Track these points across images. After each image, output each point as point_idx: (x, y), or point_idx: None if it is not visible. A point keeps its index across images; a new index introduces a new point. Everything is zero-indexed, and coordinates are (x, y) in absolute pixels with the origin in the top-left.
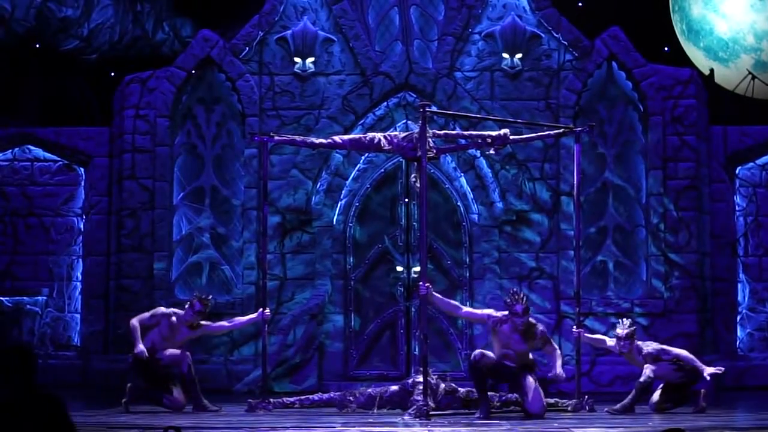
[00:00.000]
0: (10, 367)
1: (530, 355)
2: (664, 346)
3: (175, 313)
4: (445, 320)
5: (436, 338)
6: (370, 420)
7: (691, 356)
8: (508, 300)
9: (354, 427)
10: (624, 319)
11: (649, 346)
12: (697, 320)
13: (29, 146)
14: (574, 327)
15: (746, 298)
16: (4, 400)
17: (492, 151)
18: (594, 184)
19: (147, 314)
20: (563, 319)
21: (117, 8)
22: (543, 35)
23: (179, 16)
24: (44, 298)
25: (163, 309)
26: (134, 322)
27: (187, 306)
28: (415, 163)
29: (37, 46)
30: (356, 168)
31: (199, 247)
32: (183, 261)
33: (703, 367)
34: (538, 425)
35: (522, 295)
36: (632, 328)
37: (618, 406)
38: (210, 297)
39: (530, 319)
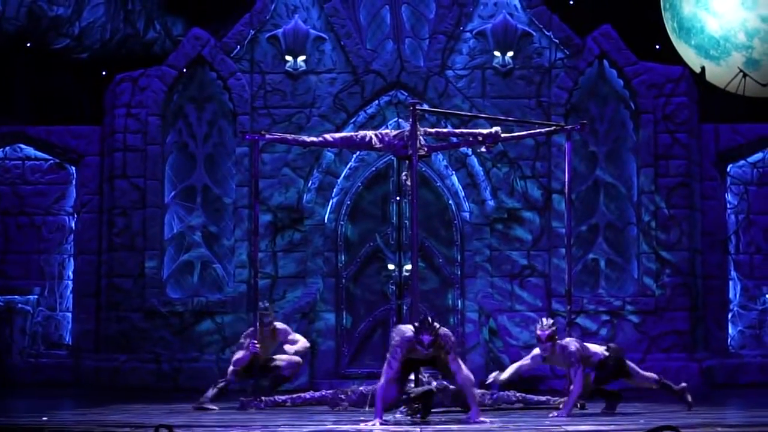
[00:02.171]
0: None
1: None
2: (588, 346)
3: (252, 334)
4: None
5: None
6: (362, 418)
7: (596, 350)
8: (417, 325)
9: (345, 425)
10: (544, 319)
11: (572, 345)
12: (688, 318)
13: (20, 145)
14: (566, 326)
15: (737, 296)
16: None
17: (483, 149)
18: (585, 182)
19: (240, 356)
20: (555, 317)
21: (108, 7)
22: (534, 33)
23: (170, 14)
24: (35, 296)
25: (242, 351)
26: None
27: (256, 326)
28: (407, 161)
29: (29, 44)
30: (348, 166)
31: (190, 245)
32: (174, 259)
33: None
34: (530, 423)
35: (435, 327)
36: (553, 328)
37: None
38: (265, 306)
39: (442, 341)
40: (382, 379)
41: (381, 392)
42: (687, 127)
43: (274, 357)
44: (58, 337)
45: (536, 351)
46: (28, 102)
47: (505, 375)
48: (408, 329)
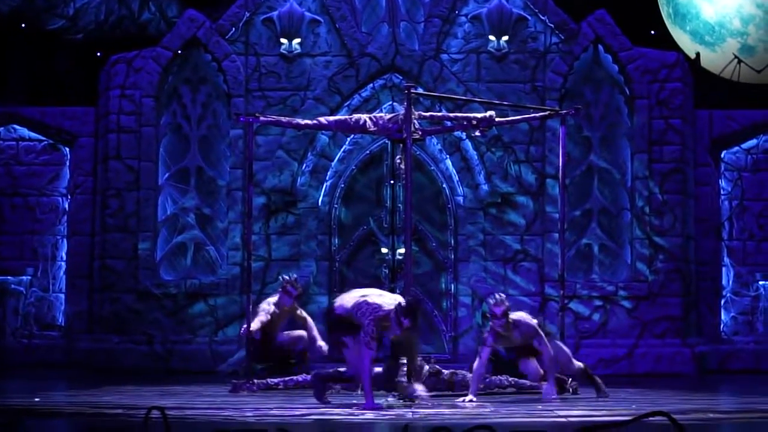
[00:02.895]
0: None
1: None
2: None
3: (275, 304)
4: (430, 303)
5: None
6: (354, 402)
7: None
8: (407, 308)
9: (338, 408)
10: (497, 294)
11: (525, 318)
12: (681, 304)
13: (14, 125)
14: (559, 310)
15: (730, 282)
16: None
17: (477, 134)
18: (579, 167)
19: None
20: (548, 301)
21: None
22: (529, 18)
23: None
24: (29, 277)
25: (265, 307)
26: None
27: (280, 294)
28: (401, 145)
29: (23, 25)
30: (342, 149)
31: (184, 227)
32: (168, 241)
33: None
34: (523, 408)
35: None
36: (507, 304)
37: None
38: (296, 278)
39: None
40: (366, 362)
41: (368, 377)
42: (681, 113)
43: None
44: (51, 318)
45: (485, 335)
46: (22, 83)
47: (474, 388)
48: (382, 305)
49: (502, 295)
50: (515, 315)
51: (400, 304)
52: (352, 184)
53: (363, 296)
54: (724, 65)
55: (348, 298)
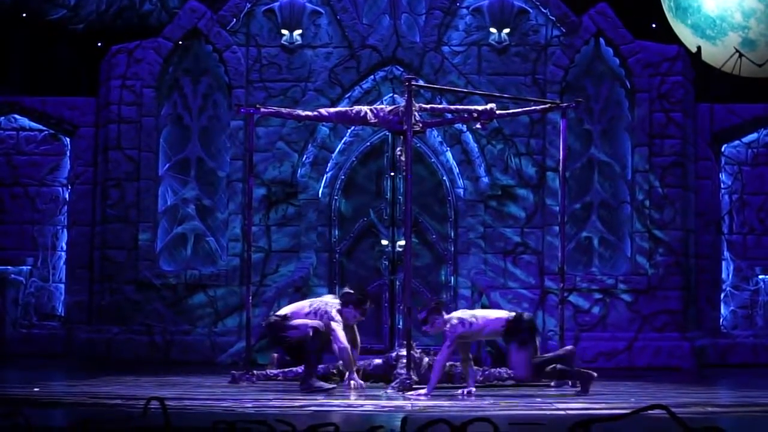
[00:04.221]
0: None
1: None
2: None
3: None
4: (429, 294)
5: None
6: (352, 393)
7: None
8: (361, 297)
9: (337, 399)
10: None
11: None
12: (680, 297)
13: (15, 115)
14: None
15: (730, 276)
16: None
17: (478, 126)
18: (580, 160)
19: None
20: (547, 294)
21: None
22: (531, 10)
23: None
24: (28, 267)
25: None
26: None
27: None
28: (401, 137)
29: (24, 15)
30: (342, 141)
31: (184, 218)
32: (168, 232)
33: None
34: (521, 400)
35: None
36: (433, 304)
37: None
38: None
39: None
40: (343, 338)
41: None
42: (682, 107)
43: None
44: (51, 309)
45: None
46: (23, 72)
47: (469, 380)
48: (333, 303)
49: (438, 300)
50: (453, 315)
51: (347, 296)
52: (352, 175)
53: (311, 303)
54: (726, 59)
55: (298, 307)
